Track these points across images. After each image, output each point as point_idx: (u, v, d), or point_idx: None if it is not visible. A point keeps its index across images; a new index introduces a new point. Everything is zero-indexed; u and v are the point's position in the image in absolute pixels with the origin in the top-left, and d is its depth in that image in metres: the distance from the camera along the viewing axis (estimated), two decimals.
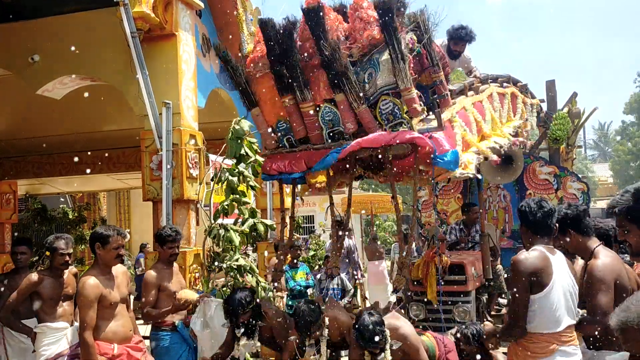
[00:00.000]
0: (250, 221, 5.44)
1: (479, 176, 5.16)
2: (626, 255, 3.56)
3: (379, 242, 11.82)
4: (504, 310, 5.57)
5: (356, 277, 8.70)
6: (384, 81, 3.77)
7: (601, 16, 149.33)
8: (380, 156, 4.03)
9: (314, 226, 16.93)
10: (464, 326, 4.20)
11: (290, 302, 6.72)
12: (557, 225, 3.19)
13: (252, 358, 4.89)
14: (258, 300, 4.48)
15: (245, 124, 4.83)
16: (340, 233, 7.24)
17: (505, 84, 6.11)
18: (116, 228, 4.04)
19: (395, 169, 4.37)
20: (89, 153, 9.73)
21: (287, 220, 5.17)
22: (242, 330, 4.03)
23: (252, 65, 4.23)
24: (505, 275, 6.39)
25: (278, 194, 5.49)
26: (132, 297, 5.23)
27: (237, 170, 5.34)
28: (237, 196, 5.28)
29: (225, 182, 5.29)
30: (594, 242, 3.23)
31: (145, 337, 4.44)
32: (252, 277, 5.28)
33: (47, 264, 4.65)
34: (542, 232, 3.13)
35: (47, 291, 4.39)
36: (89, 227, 13.94)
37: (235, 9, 6.81)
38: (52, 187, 12.49)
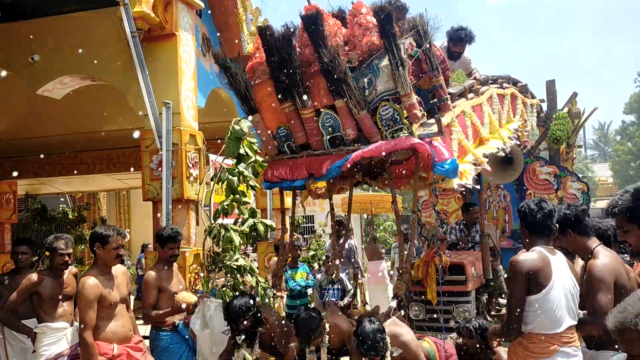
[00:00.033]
0: (250, 221, 5.43)
1: (477, 187, 5.17)
2: (626, 255, 3.57)
3: (379, 242, 11.82)
4: (503, 310, 5.57)
5: (358, 277, 8.69)
6: (383, 87, 3.77)
7: (601, 16, 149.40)
8: (379, 162, 4.03)
9: (314, 226, 16.93)
10: (466, 320, 4.22)
11: (290, 302, 6.73)
12: (557, 225, 3.19)
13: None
14: (258, 303, 4.48)
15: (245, 124, 4.82)
16: (341, 233, 7.25)
17: (505, 85, 6.11)
18: (116, 228, 4.05)
19: (394, 175, 4.36)
20: (90, 152, 9.75)
21: (288, 225, 5.15)
22: (243, 337, 4.03)
23: (251, 72, 4.23)
24: (505, 275, 6.39)
25: (278, 194, 5.49)
26: (132, 297, 5.23)
27: (237, 170, 5.34)
28: (237, 196, 5.28)
29: (225, 182, 5.29)
30: (594, 242, 3.24)
31: (145, 337, 4.44)
32: (252, 277, 5.27)
33: (47, 264, 4.65)
34: (542, 232, 3.14)
35: (47, 291, 4.39)
36: (89, 227, 13.93)
37: (235, 9, 6.81)
38: (52, 187, 12.49)
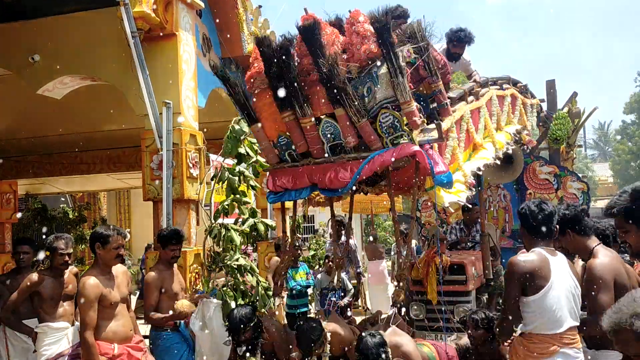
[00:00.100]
0: (251, 221, 5.44)
1: (469, 205, 5.14)
2: (626, 255, 3.57)
3: (379, 242, 11.82)
4: None
5: (361, 276, 8.69)
6: (383, 95, 3.77)
7: (601, 16, 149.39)
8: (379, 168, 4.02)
9: (314, 226, 16.94)
10: (472, 312, 4.23)
11: (290, 302, 6.73)
12: (557, 227, 3.19)
13: None
14: (259, 312, 4.49)
15: (245, 124, 4.83)
16: (342, 233, 7.25)
17: (505, 86, 6.11)
18: (116, 228, 4.05)
19: (393, 181, 4.35)
20: (90, 152, 9.75)
21: (289, 226, 5.14)
22: (244, 348, 4.04)
23: (250, 81, 4.24)
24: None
25: None
26: (134, 297, 5.23)
27: (237, 170, 5.35)
28: (238, 196, 5.29)
29: (226, 182, 5.30)
30: (593, 242, 3.24)
31: (145, 337, 4.45)
32: (252, 277, 5.28)
33: (48, 264, 4.66)
34: (542, 234, 3.14)
35: (47, 291, 4.40)
36: (89, 227, 13.94)
37: (236, 9, 6.81)
38: (52, 186, 12.49)
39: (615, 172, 39.71)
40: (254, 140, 5.03)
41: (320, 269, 8.00)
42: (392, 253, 11.64)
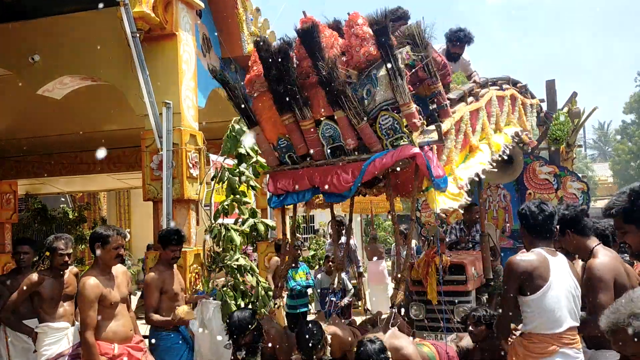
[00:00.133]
0: (251, 221, 5.45)
1: (461, 210, 5.11)
2: (626, 255, 3.57)
3: (379, 242, 11.83)
4: None
5: (362, 275, 8.69)
6: (382, 97, 3.77)
7: (601, 16, 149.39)
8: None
9: (314, 226, 16.95)
10: (473, 309, 4.24)
11: (290, 302, 6.74)
12: (557, 227, 3.20)
13: None
14: (260, 309, 4.48)
15: (244, 124, 4.82)
16: (343, 234, 7.25)
17: (504, 86, 6.11)
18: (116, 228, 4.05)
19: (392, 183, 4.36)
20: (90, 152, 9.75)
21: (289, 227, 5.14)
22: (243, 353, 4.04)
23: (250, 85, 4.24)
24: None
25: None
26: (136, 297, 5.23)
27: (238, 170, 5.35)
28: (238, 196, 5.29)
29: (226, 182, 5.30)
30: (593, 242, 3.25)
31: (145, 337, 4.45)
32: (252, 277, 5.29)
33: (48, 264, 4.66)
34: (543, 234, 3.15)
35: (47, 291, 4.40)
36: (89, 227, 13.94)
37: (236, 9, 6.81)
38: (52, 187, 12.49)
39: (615, 172, 39.71)
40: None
41: (321, 269, 7.99)
42: (392, 253, 11.64)
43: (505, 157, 5.60)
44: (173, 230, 4.75)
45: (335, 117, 3.90)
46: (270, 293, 5.19)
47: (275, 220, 6.90)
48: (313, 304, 8.50)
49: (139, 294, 9.80)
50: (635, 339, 1.58)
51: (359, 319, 5.60)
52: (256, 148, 5.22)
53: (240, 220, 5.56)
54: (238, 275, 5.16)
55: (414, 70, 3.92)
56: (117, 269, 4.02)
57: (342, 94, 3.74)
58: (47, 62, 5.93)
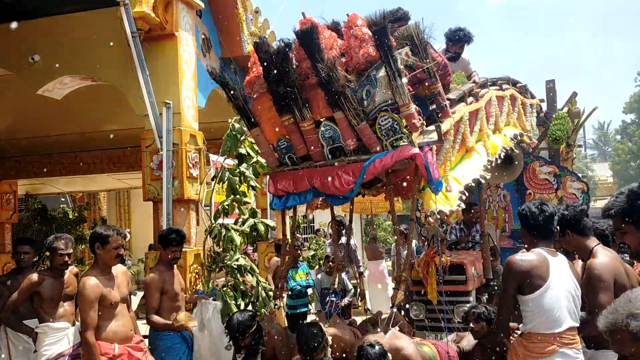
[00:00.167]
0: (251, 221, 5.45)
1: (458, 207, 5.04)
2: (626, 255, 3.57)
3: (379, 242, 11.83)
4: None
5: (363, 275, 8.69)
6: (382, 97, 3.77)
7: (601, 16, 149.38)
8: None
9: (314, 226, 16.94)
10: (473, 306, 4.24)
11: (290, 302, 6.74)
12: (558, 228, 3.20)
13: None
14: (260, 309, 4.47)
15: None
16: (343, 234, 7.25)
17: (504, 86, 6.11)
18: (116, 228, 4.05)
19: (392, 184, 4.36)
20: (90, 152, 9.76)
21: (289, 227, 5.14)
22: (243, 355, 4.04)
23: (249, 86, 4.24)
24: None
25: None
26: (136, 297, 5.23)
27: (238, 170, 5.35)
28: (238, 196, 5.29)
29: (226, 182, 5.30)
30: (592, 242, 3.25)
31: (145, 337, 4.45)
32: (252, 277, 5.29)
33: (48, 264, 4.66)
34: (543, 235, 3.15)
35: (47, 291, 4.40)
36: (89, 227, 13.95)
37: (236, 9, 6.81)
38: (52, 187, 12.49)
39: (615, 172, 39.71)
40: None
41: (321, 269, 7.99)
42: (392, 253, 11.64)
43: (500, 161, 5.59)
44: (173, 231, 4.75)
45: (335, 118, 3.90)
46: (271, 293, 5.19)
47: (275, 221, 6.90)
48: (313, 304, 8.50)
49: (139, 294, 9.81)
50: (634, 340, 1.57)
51: (359, 319, 5.59)
52: (256, 148, 5.23)
53: (240, 220, 5.56)
54: (238, 275, 5.16)
55: (414, 72, 3.92)
56: (117, 269, 4.02)
57: (341, 94, 3.74)
58: (47, 62, 5.93)
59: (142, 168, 5.69)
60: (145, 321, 4.60)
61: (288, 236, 5.07)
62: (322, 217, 15.09)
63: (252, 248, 9.09)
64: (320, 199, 4.61)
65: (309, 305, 7.39)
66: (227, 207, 5.27)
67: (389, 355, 3.50)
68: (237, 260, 5.16)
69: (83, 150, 9.76)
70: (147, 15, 5.39)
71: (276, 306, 4.94)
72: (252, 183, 5.51)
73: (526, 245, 3.26)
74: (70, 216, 13.56)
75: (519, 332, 3.23)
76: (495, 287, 6.02)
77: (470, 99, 4.96)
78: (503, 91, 5.99)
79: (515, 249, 6.44)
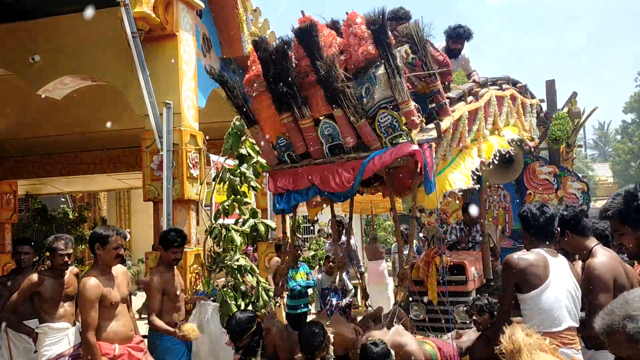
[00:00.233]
0: (251, 221, 5.44)
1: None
2: (625, 255, 3.57)
3: (379, 242, 11.83)
4: None
5: (364, 275, 8.69)
6: (381, 95, 3.77)
7: (601, 16, 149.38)
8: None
9: (315, 227, 16.92)
10: (475, 299, 4.25)
11: (290, 302, 6.73)
12: (558, 229, 3.21)
13: None
14: (260, 309, 4.47)
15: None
16: (343, 234, 7.25)
17: (504, 86, 6.10)
18: (116, 228, 4.05)
19: (392, 182, 4.36)
20: (90, 152, 9.76)
21: (289, 228, 5.14)
22: (241, 353, 4.04)
23: (249, 84, 4.24)
24: None
25: None
26: (136, 297, 5.22)
27: (239, 170, 5.35)
28: (239, 196, 5.29)
29: (227, 183, 5.30)
30: (592, 242, 3.25)
31: (145, 337, 4.45)
32: (252, 277, 5.28)
33: (48, 264, 4.66)
34: (543, 236, 3.16)
35: (47, 292, 4.40)
36: (89, 227, 13.95)
37: (236, 9, 6.82)
38: (52, 187, 12.50)
39: (615, 172, 39.71)
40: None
41: (321, 269, 7.99)
42: (393, 252, 11.64)
43: (500, 161, 5.58)
44: (175, 232, 4.75)
45: (334, 116, 3.90)
46: (271, 293, 5.19)
47: (275, 221, 6.90)
48: (313, 304, 8.50)
49: (139, 294, 9.81)
50: (630, 341, 1.57)
51: (359, 319, 5.59)
52: (257, 148, 5.22)
53: (240, 220, 5.55)
54: (238, 275, 5.16)
55: (415, 72, 3.92)
56: (117, 269, 4.02)
57: (340, 92, 3.74)
58: (47, 62, 5.94)
59: (143, 168, 5.69)
60: (146, 321, 4.60)
61: (288, 235, 5.07)
62: (322, 217, 15.08)
63: (252, 248, 9.09)
64: (319, 197, 4.61)
65: (310, 305, 7.38)
66: (227, 207, 5.26)
67: (392, 353, 3.50)
68: (237, 260, 5.16)
69: (83, 150, 9.77)
70: (147, 15, 5.39)
71: (277, 304, 4.93)
72: (253, 183, 5.50)
73: (526, 247, 3.26)
74: (71, 216, 13.56)
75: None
76: (496, 287, 6.03)
77: (470, 98, 4.96)
78: (503, 91, 5.98)
79: (516, 249, 6.44)
